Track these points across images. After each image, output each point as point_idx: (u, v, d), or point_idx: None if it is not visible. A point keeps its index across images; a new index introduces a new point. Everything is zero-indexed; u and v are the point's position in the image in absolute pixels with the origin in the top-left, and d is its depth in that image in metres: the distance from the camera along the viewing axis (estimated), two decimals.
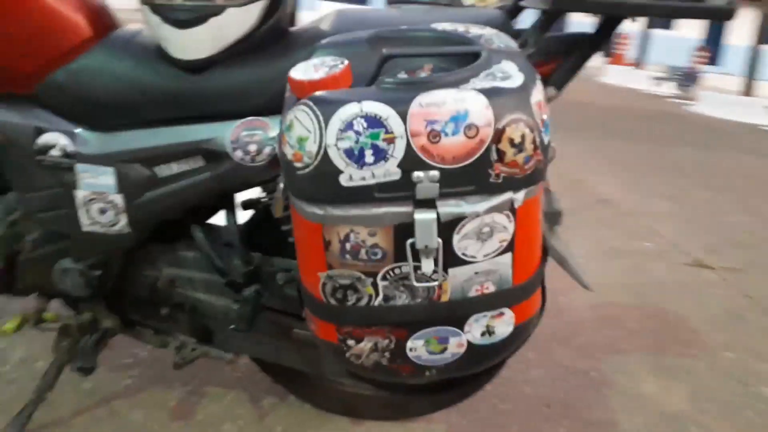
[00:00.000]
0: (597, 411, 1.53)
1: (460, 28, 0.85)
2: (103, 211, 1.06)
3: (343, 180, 0.72)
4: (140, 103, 1.01)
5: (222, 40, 0.98)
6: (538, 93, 0.74)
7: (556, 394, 1.59)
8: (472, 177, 0.71)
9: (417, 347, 0.85)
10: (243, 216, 1.22)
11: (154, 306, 1.23)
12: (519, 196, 0.74)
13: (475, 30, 0.85)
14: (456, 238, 0.75)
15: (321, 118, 0.72)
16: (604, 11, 0.94)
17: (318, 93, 0.74)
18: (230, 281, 1.11)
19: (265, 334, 1.22)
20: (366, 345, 0.85)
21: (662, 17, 0.96)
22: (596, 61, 11.40)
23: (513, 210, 0.74)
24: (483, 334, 0.84)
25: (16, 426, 1.28)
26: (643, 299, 2.20)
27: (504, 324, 0.83)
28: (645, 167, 4.44)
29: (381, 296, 0.81)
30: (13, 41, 0.97)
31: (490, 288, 0.80)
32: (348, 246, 0.77)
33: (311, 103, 0.73)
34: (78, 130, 1.03)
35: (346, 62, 0.77)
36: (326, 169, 0.72)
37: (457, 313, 0.82)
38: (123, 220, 1.06)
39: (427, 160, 0.70)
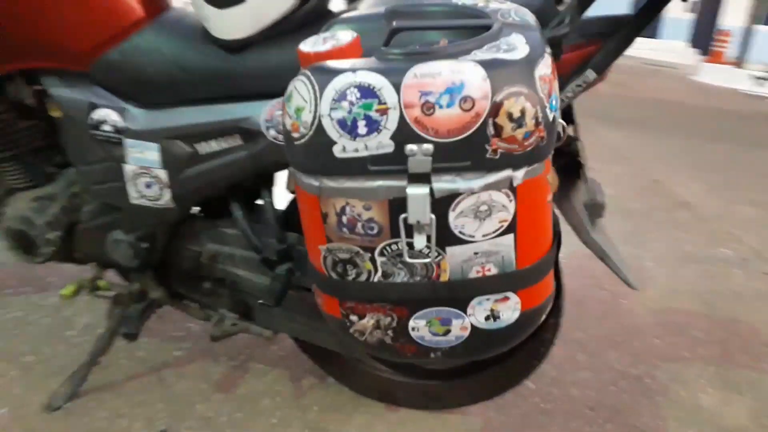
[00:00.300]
0: (645, 418, 1.46)
1: (480, 2, 0.82)
2: (149, 186, 1.11)
3: (337, 151, 0.72)
4: (184, 81, 1.05)
5: (260, 20, 1.01)
6: (544, 67, 0.70)
7: (604, 398, 1.52)
8: (468, 152, 0.68)
9: (419, 327, 0.84)
10: (287, 197, 1.24)
11: (198, 280, 1.28)
12: (518, 174, 0.70)
13: (494, 4, 0.81)
14: (451, 216, 0.73)
15: (316, 87, 0.71)
16: None
17: (317, 63, 0.74)
18: (264, 258, 1.14)
19: (300, 313, 1.24)
20: (368, 322, 0.85)
21: None
22: (690, 58, 10.79)
23: (513, 189, 0.71)
24: (487, 319, 0.82)
25: (72, 385, 1.37)
26: (714, 308, 2.07)
27: (509, 309, 0.81)
28: (733, 171, 4.16)
29: (380, 272, 0.80)
30: (71, 21, 1.03)
31: (492, 270, 0.77)
32: (344, 219, 0.76)
33: (309, 73, 0.73)
34: (128, 107, 1.08)
35: (355, 35, 0.76)
36: (320, 139, 0.72)
37: (458, 294, 0.80)
38: (167, 195, 1.11)
39: (421, 133, 0.68)
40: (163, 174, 1.09)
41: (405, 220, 0.73)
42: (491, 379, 1.32)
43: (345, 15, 0.93)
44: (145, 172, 1.10)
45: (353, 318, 0.86)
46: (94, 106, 1.08)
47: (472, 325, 0.83)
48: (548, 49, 0.75)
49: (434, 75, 0.67)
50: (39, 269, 1.93)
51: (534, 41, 0.72)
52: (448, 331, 0.83)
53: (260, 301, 1.17)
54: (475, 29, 0.74)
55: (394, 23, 0.74)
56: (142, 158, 1.09)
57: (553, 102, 0.71)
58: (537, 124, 0.68)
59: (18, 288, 1.85)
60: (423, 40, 0.81)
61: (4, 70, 1.10)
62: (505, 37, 0.71)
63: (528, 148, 0.69)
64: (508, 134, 0.67)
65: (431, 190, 0.71)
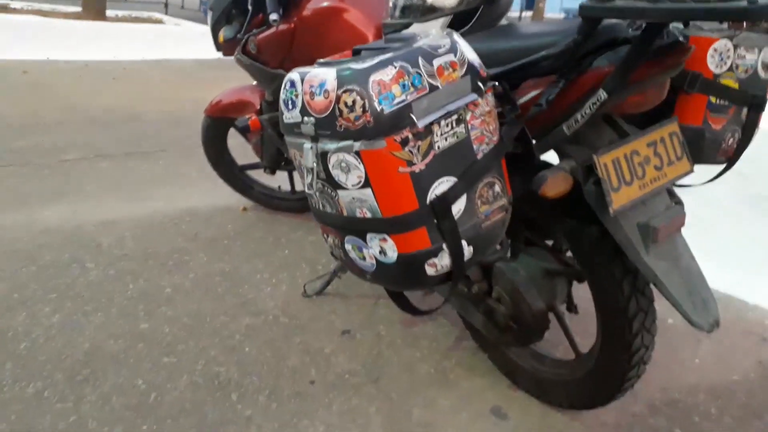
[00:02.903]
0: None
1: (434, 33, 1.08)
2: None
3: (284, 119, 1.06)
4: None
5: None
6: (381, 75, 0.95)
7: None
8: (329, 125, 0.98)
9: (349, 250, 1.10)
10: None
11: None
12: (356, 144, 0.97)
13: (432, 36, 1.06)
14: (330, 167, 1.01)
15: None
16: (626, 17, 1.01)
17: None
18: None
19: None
20: (330, 240, 1.15)
21: (690, 20, 1.06)
22: None
23: (357, 154, 0.97)
24: (380, 253, 1.05)
25: (319, 286, 1.94)
26: None
27: (390, 249, 1.04)
28: None
29: (319, 203, 1.10)
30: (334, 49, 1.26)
31: (368, 214, 1.02)
32: (296, 164, 1.11)
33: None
34: None
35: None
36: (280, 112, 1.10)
37: (354, 227, 1.05)
38: None
39: (309, 110, 1.00)
40: None
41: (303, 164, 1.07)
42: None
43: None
44: None
45: (325, 236, 1.17)
46: None
47: (375, 257, 1.07)
48: (395, 63, 0.97)
49: (315, 76, 0.99)
50: None
51: (386, 59, 0.97)
52: (364, 258, 1.08)
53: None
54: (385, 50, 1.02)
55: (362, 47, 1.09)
56: None
57: (384, 99, 0.95)
58: (364, 111, 0.94)
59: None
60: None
61: None
62: (379, 56, 0.98)
63: (358, 127, 0.95)
64: (346, 116, 0.96)
65: (315, 147, 1.01)
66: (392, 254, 1.04)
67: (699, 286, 1.17)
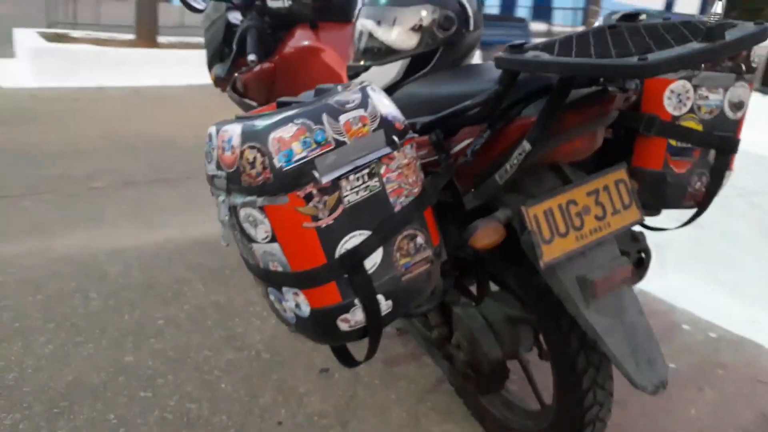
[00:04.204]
0: None
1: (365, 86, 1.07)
2: None
3: (206, 171, 1.07)
4: None
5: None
6: (282, 132, 0.95)
7: None
8: (236, 179, 0.98)
9: (273, 301, 1.09)
10: None
11: None
12: (259, 200, 0.97)
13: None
14: (241, 220, 1.01)
15: None
16: (533, 70, 1.00)
17: None
18: None
19: None
20: (260, 289, 1.13)
21: (581, 75, 1.02)
22: None
23: (261, 209, 0.97)
24: (296, 306, 1.04)
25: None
26: None
27: (303, 303, 1.03)
28: None
29: (243, 253, 1.09)
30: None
31: (279, 268, 1.01)
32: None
33: None
34: None
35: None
36: None
37: (271, 279, 1.05)
38: None
39: (222, 165, 1.00)
40: None
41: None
42: None
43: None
44: None
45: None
46: None
47: (292, 310, 1.05)
48: (296, 121, 0.96)
49: (226, 131, 1.00)
50: None
51: (288, 116, 0.97)
52: (285, 310, 1.07)
53: None
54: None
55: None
56: None
57: (284, 156, 0.94)
58: (264, 168, 0.94)
59: None
60: None
61: None
62: (283, 113, 0.98)
63: (260, 183, 0.95)
64: (248, 172, 0.96)
65: (227, 200, 1.01)
66: (306, 308, 1.03)
67: (645, 344, 1.10)
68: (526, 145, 1.03)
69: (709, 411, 1.72)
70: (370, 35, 1.43)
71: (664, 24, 0.96)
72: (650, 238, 2.56)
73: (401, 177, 1.03)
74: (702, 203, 1.31)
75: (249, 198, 0.97)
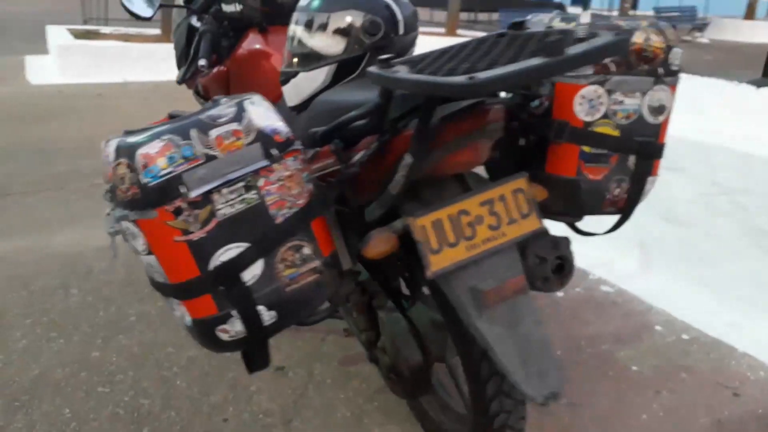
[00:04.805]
0: None
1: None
2: None
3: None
4: None
5: (299, 94, 1.46)
6: (148, 148, 0.97)
7: None
8: (113, 194, 1.01)
9: (169, 308, 1.10)
10: None
11: None
12: (131, 214, 0.99)
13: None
14: (124, 233, 1.03)
15: None
16: (394, 87, 1.00)
17: None
18: None
19: None
20: None
21: (420, 94, 1.01)
22: None
23: (134, 222, 1.00)
24: (181, 316, 1.06)
25: None
26: None
27: (185, 313, 1.05)
28: None
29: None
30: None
31: (161, 279, 1.04)
32: None
33: None
34: None
35: None
36: None
37: (158, 288, 1.07)
38: None
39: (105, 178, 1.02)
40: None
41: None
42: None
43: None
44: None
45: None
46: None
47: (180, 318, 1.07)
48: (168, 138, 0.98)
49: (109, 145, 1.01)
50: None
51: (155, 132, 0.99)
52: (177, 317, 1.09)
53: None
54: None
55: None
56: None
57: (149, 172, 0.96)
58: (132, 183, 0.97)
59: None
60: None
61: None
62: (151, 130, 1.00)
63: (129, 198, 0.98)
64: (120, 187, 0.98)
65: (111, 213, 1.04)
66: (188, 318, 1.06)
67: (537, 354, 1.09)
68: (408, 158, 1.03)
69: (661, 416, 1.68)
70: (299, 41, 1.44)
71: (526, 35, 0.94)
72: (634, 237, 2.50)
73: (283, 189, 1.04)
74: (624, 209, 1.27)
75: (124, 212, 1.01)
